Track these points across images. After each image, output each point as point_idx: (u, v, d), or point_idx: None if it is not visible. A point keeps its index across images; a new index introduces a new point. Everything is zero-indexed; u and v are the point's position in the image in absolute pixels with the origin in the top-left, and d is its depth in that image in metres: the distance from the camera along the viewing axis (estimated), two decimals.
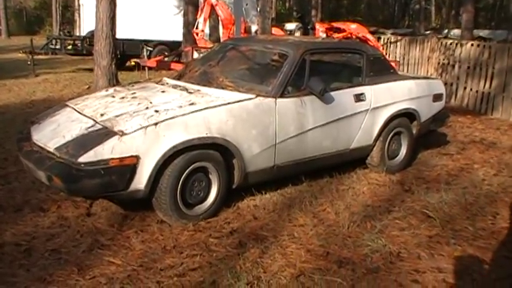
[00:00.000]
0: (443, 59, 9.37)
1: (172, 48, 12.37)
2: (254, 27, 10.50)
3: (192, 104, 3.87)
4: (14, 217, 3.86)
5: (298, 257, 3.37)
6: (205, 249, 3.42)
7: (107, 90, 4.64)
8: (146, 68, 10.09)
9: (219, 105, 3.86)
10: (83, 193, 3.53)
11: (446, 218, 4.08)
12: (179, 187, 3.67)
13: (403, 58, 11.05)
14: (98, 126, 3.65)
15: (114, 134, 3.48)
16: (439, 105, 5.57)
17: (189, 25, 12.36)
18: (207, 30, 13.61)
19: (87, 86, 9.04)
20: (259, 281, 3.05)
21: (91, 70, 11.94)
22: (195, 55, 10.17)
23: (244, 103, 3.97)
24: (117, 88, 4.66)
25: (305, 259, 3.36)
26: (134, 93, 4.28)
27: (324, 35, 10.18)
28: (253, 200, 4.30)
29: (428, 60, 10.03)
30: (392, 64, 6.00)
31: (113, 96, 4.26)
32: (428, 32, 18.68)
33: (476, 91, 8.60)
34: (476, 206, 4.37)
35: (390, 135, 5.06)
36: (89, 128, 3.67)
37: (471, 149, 6.30)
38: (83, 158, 3.34)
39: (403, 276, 3.23)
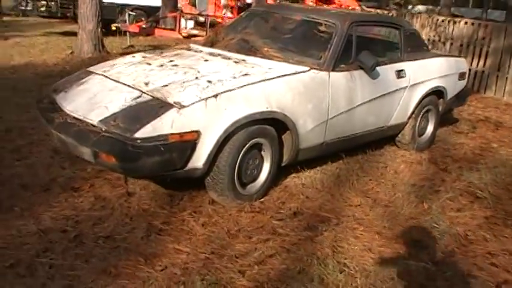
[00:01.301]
0: (434, 36, 9.35)
1: (149, 13, 11.68)
2: None
3: (246, 74, 3.55)
4: (45, 198, 3.43)
5: (372, 241, 3.20)
6: (273, 233, 3.18)
7: (133, 57, 4.21)
8: (128, 34, 9.47)
9: (276, 77, 3.57)
10: (140, 173, 3.17)
11: (494, 199, 4.02)
12: (237, 165, 3.38)
13: None
14: (147, 97, 3.27)
15: (171, 106, 3.12)
16: (463, 83, 5.50)
17: None
18: None
19: (70, 51, 8.35)
20: (346, 267, 2.85)
21: (64, 34, 11.18)
22: (182, 21, 9.66)
23: (301, 75, 3.69)
24: (145, 55, 4.23)
25: (380, 243, 3.19)
26: (172, 60, 3.90)
27: (314, 5, 9.90)
28: (297, 178, 4.07)
29: None
30: None
31: (149, 64, 3.86)
32: (394, 6, 18.73)
33: (469, 69, 8.62)
34: None
35: (422, 113, 4.93)
36: (136, 98, 3.28)
37: (481, 127, 6.30)
38: (140, 133, 2.97)
39: (480, 259, 3.14)
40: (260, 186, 3.63)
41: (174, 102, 3.15)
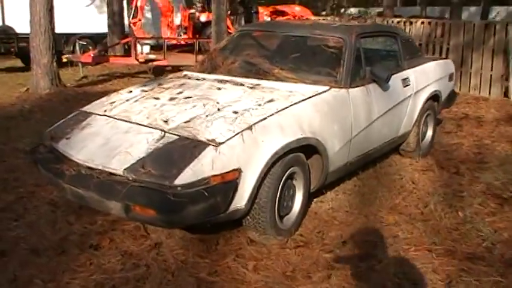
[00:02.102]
0: None
1: (96, 41, 11.12)
2: (202, 16, 9.70)
3: (271, 101, 3.31)
4: (64, 262, 3.01)
5: (431, 261, 3.05)
6: (331, 268, 2.95)
7: (129, 92, 3.86)
8: (80, 64, 8.94)
9: (302, 101, 3.36)
10: (183, 223, 2.85)
11: None
12: (277, 199, 3.13)
13: None
14: (173, 137, 2.95)
15: (206, 144, 2.82)
16: (452, 84, 5.53)
17: (114, 15, 11.22)
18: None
19: (25, 88, 7.72)
20: None
21: (7, 71, 10.42)
22: (138, 47, 9.23)
23: (324, 96, 3.50)
24: (143, 88, 3.89)
25: (438, 262, 3.04)
26: (181, 92, 3.60)
27: (269, 19, 9.78)
28: (322, 203, 3.87)
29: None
30: None
31: (157, 98, 3.53)
32: (330, 11, 19.08)
33: None
34: None
35: (423, 118, 4.88)
36: (160, 139, 2.96)
37: (465, 125, 6.39)
38: (180, 179, 2.65)
39: None
40: (296, 218, 3.39)
41: (208, 140, 2.86)
